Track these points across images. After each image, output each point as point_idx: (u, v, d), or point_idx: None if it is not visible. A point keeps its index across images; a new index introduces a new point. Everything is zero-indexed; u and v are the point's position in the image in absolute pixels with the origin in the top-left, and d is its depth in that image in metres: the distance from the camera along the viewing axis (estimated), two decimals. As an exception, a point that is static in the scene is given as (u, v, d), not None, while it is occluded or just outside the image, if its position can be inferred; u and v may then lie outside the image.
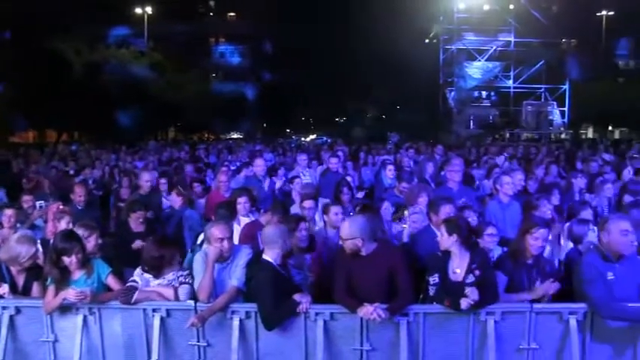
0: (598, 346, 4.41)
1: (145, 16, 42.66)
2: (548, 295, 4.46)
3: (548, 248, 5.50)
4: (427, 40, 45.85)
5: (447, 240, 4.52)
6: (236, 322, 4.49)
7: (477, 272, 4.39)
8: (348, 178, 9.04)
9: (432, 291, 4.44)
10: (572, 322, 4.33)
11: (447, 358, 4.49)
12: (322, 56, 46.59)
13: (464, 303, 4.23)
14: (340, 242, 4.53)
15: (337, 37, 44.98)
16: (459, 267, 4.48)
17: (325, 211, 5.94)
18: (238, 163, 11.44)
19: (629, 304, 4.25)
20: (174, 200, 7.65)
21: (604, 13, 47.96)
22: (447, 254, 4.55)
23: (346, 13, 45.19)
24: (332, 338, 4.49)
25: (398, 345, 4.38)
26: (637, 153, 14.46)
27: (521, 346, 4.43)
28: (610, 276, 4.30)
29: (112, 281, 4.78)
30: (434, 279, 4.44)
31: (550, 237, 5.39)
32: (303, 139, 41.62)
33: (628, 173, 9.78)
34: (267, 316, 4.36)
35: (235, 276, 4.58)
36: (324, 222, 5.99)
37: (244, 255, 4.71)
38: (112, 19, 36.20)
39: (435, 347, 4.47)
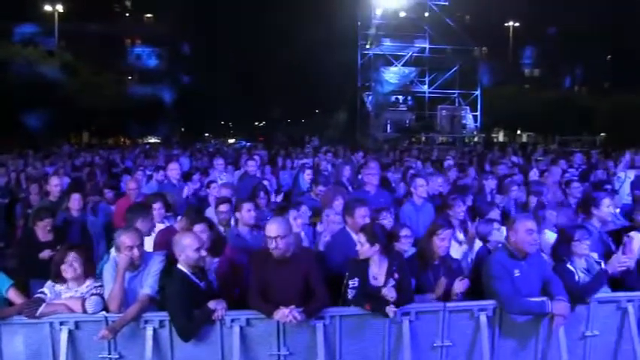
0: (506, 339, 4.60)
1: (56, 14, 40.81)
2: (459, 294, 4.58)
3: (465, 247, 5.70)
4: (345, 45, 46.58)
5: (368, 250, 4.53)
6: (149, 332, 4.34)
7: (397, 275, 4.47)
8: (265, 182, 9.00)
9: (350, 294, 4.44)
10: (483, 318, 4.48)
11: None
12: (241, 60, 46.27)
13: (390, 312, 4.24)
14: (271, 244, 4.45)
15: (257, 40, 44.83)
16: (379, 272, 4.53)
17: (237, 208, 5.77)
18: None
19: (532, 299, 4.46)
20: (72, 206, 7.12)
21: (511, 23, 50.49)
22: (366, 259, 4.57)
23: (266, 17, 45.15)
24: (249, 344, 4.42)
25: (315, 348, 4.37)
26: (542, 155, 15.31)
27: (435, 344, 4.54)
28: (516, 273, 4.49)
29: (13, 295, 4.48)
30: (353, 282, 4.45)
31: (462, 237, 5.62)
32: (223, 143, 41.11)
33: (534, 175, 10.25)
34: (181, 327, 4.23)
35: (147, 284, 4.41)
36: (236, 220, 5.84)
37: (156, 262, 4.55)
38: (18, 15, 34.36)
39: (351, 349, 4.49)
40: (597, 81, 52.20)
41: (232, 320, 4.36)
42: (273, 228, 4.41)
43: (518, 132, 50.80)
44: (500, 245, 4.88)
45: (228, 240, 5.48)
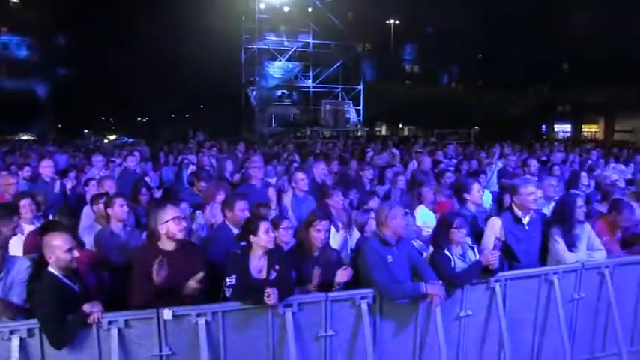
0: (387, 325, 4.77)
1: None
2: (341, 283, 4.67)
3: (342, 233, 5.82)
4: (229, 39, 46.05)
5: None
6: (15, 343, 4.02)
7: (277, 267, 4.48)
8: (147, 179, 8.72)
9: (227, 292, 4.38)
10: (364, 306, 4.61)
11: (248, 355, 4.49)
12: (123, 53, 44.24)
13: (272, 296, 4.24)
14: (177, 224, 4.32)
15: (139, 33, 43.06)
16: (260, 264, 4.52)
17: (109, 204, 5.49)
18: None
19: (407, 283, 4.67)
20: None
21: (392, 21, 52.31)
22: (246, 252, 4.55)
23: (148, 8, 43.46)
24: (129, 346, 4.24)
25: (198, 346, 4.28)
26: (421, 148, 16.08)
27: (319, 334, 4.59)
28: (390, 259, 4.68)
29: None
30: (231, 280, 4.38)
31: (341, 227, 5.76)
32: (103, 140, 39.11)
33: (412, 166, 10.75)
34: (53, 335, 3.96)
35: (14, 293, 4.12)
36: (109, 216, 5.55)
37: (22, 268, 4.23)
38: None
39: (235, 345, 4.44)
40: (472, 79, 55.45)
41: (109, 322, 4.15)
42: (170, 210, 4.38)
43: (400, 126, 52.85)
44: (372, 232, 5.05)
45: (99, 239, 5.24)
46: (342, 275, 4.66)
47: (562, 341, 5.27)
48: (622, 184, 8.12)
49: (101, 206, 5.74)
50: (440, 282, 4.70)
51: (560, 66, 56.19)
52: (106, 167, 10.10)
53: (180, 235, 4.38)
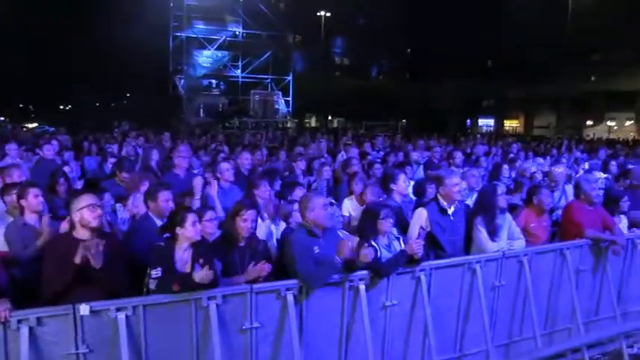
0: (313, 316, 4.73)
1: None
2: (264, 275, 4.61)
3: (268, 223, 5.75)
4: (157, 27, 44.79)
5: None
6: None
7: (202, 260, 4.36)
8: (66, 168, 8.32)
9: (152, 285, 4.23)
10: (290, 297, 4.55)
11: (171, 350, 4.34)
12: (44, 39, 42.11)
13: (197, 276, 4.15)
14: (92, 212, 4.10)
15: (60, 17, 41.10)
16: (186, 257, 4.40)
17: (22, 194, 5.12)
18: None
19: (324, 268, 4.62)
20: None
21: (323, 13, 52.44)
22: (170, 244, 4.41)
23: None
24: (41, 346, 3.98)
25: (118, 342, 4.10)
26: (350, 140, 16.21)
27: (244, 327, 4.51)
28: (316, 250, 4.65)
29: None
30: (156, 272, 4.24)
31: (268, 217, 5.68)
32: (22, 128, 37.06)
33: (341, 157, 10.81)
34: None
35: None
36: (22, 207, 5.18)
37: None
38: None
39: (158, 339, 4.28)
40: (400, 72, 56.47)
41: (19, 321, 3.88)
42: (85, 197, 4.19)
43: (330, 118, 53.19)
44: (298, 223, 5.00)
45: (10, 231, 4.94)
46: (261, 269, 4.59)
47: (483, 327, 5.43)
48: (540, 176, 8.42)
49: (14, 197, 5.39)
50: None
51: (485, 62, 58.14)
52: (21, 156, 9.61)
53: (95, 223, 4.18)
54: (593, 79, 55.43)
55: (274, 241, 5.50)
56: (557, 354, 5.72)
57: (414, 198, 6.96)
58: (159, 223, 4.96)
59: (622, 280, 6.75)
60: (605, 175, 9.05)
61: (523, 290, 5.81)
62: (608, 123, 54.53)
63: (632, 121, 55.23)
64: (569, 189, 7.43)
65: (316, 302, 4.71)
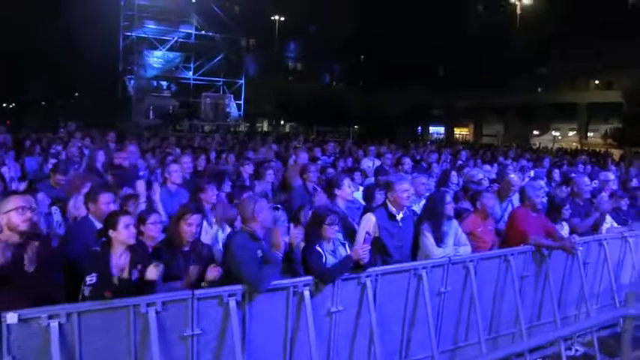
0: (256, 322, 4.62)
1: None
2: (214, 278, 4.49)
3: (215, 229, 5.63)
4: (107, 25, 43.72)
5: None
6: None
7: (140, 266, 4.21)
8: (5, 169, 8.00)
9: (87, 291, 4.05)
10: (232, 303, 4.43)
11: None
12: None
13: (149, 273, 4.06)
14: (22, 215, 3.87)
15: (4, 10, 39.59)
16: (122, 263, 4.24)
17: None
18: None
19: (267, 267, 4.55)
20: None
21: (277, 17, 52.41)
22: (106, 249, 4.23)
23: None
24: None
25: (49, 352, 3.89)
26: (300, 143, 16.20)
27: (185, 334, 4.36)
28: (260, 254, 4.58)
29: None
30: (91, 279, 4.06)
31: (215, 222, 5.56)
32: None
33: (292, 161, 10.75)
34: None
35: None
36: None
37: None
38: None
39: (93, 348, 4.08)
40: (353, 78, 56.86)
41: None
42: (13, 199, 3.96)
43: (282, 122, 53.10)
44: (239, 228, 4.91)
45: None
46: (212, 272, 4.49)
47: (429, 333, 5.43)
48: (487, 183, 8.55)
49: None
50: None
51: (437, 71, 59.25)
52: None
53: (23, 227, 3.93)
54: (539, 90, 57.35)
55: (220, 245, 5.38)
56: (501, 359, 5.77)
57: (363, 203, 6.95)
58: (99, 226, 4.78)
59: (562, 286, 6.91)
60: (543, 183, 9.24)
61: (468, 296, 5.86)
62: (553, 133, 56.50)
63: (575, 132, 57.45)
64: (515, 198, 7.55)
65: (260, 308, 4.61)
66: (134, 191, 6.17)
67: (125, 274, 4.21)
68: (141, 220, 4.79)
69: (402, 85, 51.16)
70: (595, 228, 7.44)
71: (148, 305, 4.15)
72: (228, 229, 5.52)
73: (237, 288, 4.45)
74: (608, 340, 7.01)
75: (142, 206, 5.93)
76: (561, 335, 5.89)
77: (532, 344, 5.17)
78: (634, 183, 10.25)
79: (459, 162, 12.57)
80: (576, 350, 6.84)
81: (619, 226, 7.58)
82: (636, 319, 4.54)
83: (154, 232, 4.84)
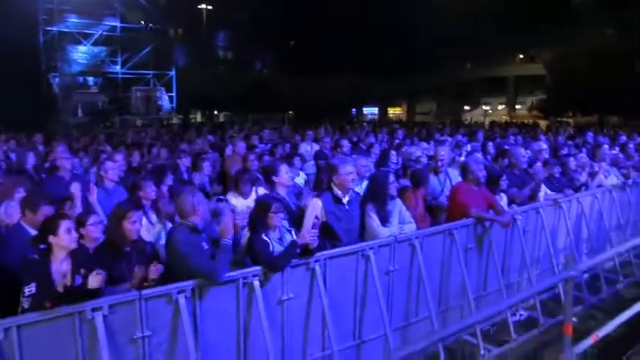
0: (208, 316, 4.54)
1: None
2: (155, 278, 4.36)
3: (159, 227, 5.48)
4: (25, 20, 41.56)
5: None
6: None
7: (83, 271, 4.04)
8: None
9: (26, 303, 3.85)
10: (182, 300, 4.32)
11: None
12: None
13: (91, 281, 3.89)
14: None
15: None
16: (64, 269, 4.06)
17: None
18: None
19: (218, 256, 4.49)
20: None
21: (204, 6, 51.39)
22: (46, 256, 4.04)
23: None
24: None
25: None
26: (235, 132, 16.04)
27: (134, 336, 4.23)
28: (205, 246, 4.50)
29: None
30: (30, 289, 3.86)
31: (155, 218, 5.41)
32: None
33: (229, 151, 10.64)
34: None
35: None
36: None
37: None
38: None
39: (38, 361, 3.92)
40: (285, 65, 56.51)
41: None
42: None
43: (216, 112, 52.35)
44: (178, 223, 4.78)
45: None
46: (153, 272, 4.36)
47: (381, 312, 5.48)
48: (425, 160, 8.69)
49: None
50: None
51: (368, 54, 59.74)
52: None
53: None
54: (468, 66, 58.88)
55: (162, 243, 5.23)
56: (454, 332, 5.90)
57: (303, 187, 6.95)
58: (33, 233, 4.55)
59: (505, 254, 7.13)
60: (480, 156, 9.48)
61: (416, 272, 5.95)
62: (484, 107, 58.24)
63: (504, 105, 59.43)
64: (452, 172, 7.71)
65: (210, 303, 4.52)
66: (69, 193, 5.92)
67: (68, 281, 4.03)
68: (80, 222, 4.60)
69: (335, 68, 51.29)
70: (532, 196, 7.69)
71: (94, 310, 3.99)
72: (170, 225, 5.37)
73: (187, 284, 4.35)
74: (548, 302, 7.36)
75: (79, 209, 5.71)
76: (508, 305, 6.07)
77: (481, 317, 5.30)
78: (563, 151, 10.67)
79: (396, 141, 12.71)
80: (521, 315, 7.12)
81: (553, 193, 7.86)
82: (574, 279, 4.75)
83: (95, 233, 4.66)
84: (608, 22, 41.82)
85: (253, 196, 6.45)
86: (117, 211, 4.61)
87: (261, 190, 6.64)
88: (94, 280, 3.92)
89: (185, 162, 8.33)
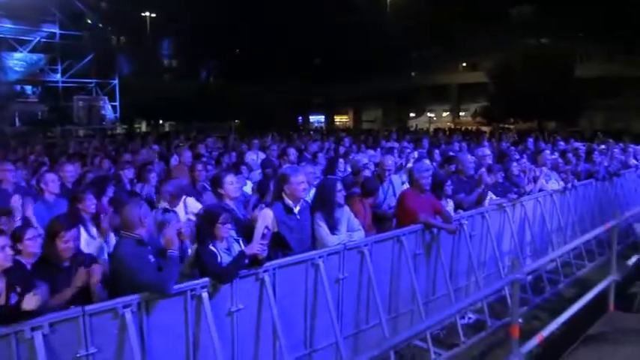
0: (155, 330, 4.41)
1: None
2: (98, 294, 4.22)
3: (100, 241, 5.32)
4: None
5: None
6: None
7: (19, 289, 3.87)
8: None
9: None
10: (128, 315, 4.18)
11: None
12: None
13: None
14: None
15: None
16: None
17: None
18: None
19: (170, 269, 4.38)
20: None
21: (148, 14, 50.65)
22: None
23: None
24: None
25: None
26: (182, 142, 15.84)
27: (78, 355, 4.06)
28: (151, 259, 4.39)
29: None
30: None
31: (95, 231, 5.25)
32: None
33: (175, 161, 10.51)
34: None
35: None
36: None
37: None
38: None
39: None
40: (231, 73, 56.23)
41: None
42: None
43: (161, 122, 51.57)
44: (124, 235, 4.65)
45: None
46: (95, 272, 4.23)
47: (331, 321, 5.47)
48: (372, 167, 8.76)
49: None
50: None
51: (314, 62, 60.19)
52: None
53: None
54: (413, 74, 60.04)
55: (106, 255, 5.07)
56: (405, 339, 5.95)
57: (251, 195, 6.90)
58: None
59: (452, 259, 7.26)
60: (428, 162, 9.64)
61: (366, 279, 5.97)
62: (429, 114, 59.47)
63: (449, 112, 60.87)
64: (396, 178, 7.81)
65: (157, 316, 4.40)
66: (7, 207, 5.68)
67: (2, 300, 3.84)
68: (16, 237, 4.41)
69: (281, 76, 51.40)
70: (479, 201, 7.86)
71: (33, 329, 3.81)
72: (115, 239, 5.20)
73: (133, 298, 4.21)
74: (495, 304, 7.53)
75: (19, 223, 5.48)
76: (457, 309, 6.17)
77: (431, 322, 5.35)
78: (510, 157, 10.97)
79: (342, 149, 12.78)
80: (469, 318, 7.26)
81: (498, 198, 8.05)
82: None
83: (32, 248, 4.47)
84: (547, 29, 43.41)
85: (182, 206, 6.37)
86: (51, 226, 4.44)
87: (191, 201, 6.55)
88: (30, 302, 3.74)
89: (128, 173, 8.13)
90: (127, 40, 50.94)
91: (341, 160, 9.11)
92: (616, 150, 13.57)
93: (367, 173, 7.84)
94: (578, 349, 5.96)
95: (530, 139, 15.81)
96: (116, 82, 43.88)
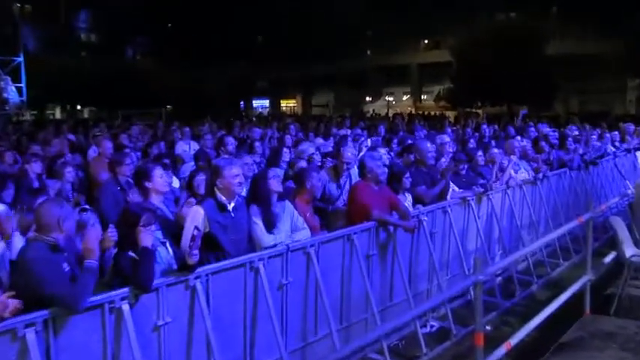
0: (65, 351, 4.25)
1: None
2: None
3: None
4: None
5: None
6: None
7: None
8: None
9: None
10: (30, 335, 4.00)
11: None
12: None
13: None
14: None
15: None
16: None
17: None
18: None
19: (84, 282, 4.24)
20: None
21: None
22: None
23: None
24: None
25: None
26: (101, 131, 15.51)
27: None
28: (66, 267, 4.26)
29: None
30: None
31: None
32: None
33: (93, 152, 10.27)
34: None
35: None
36: None
37: None
38: None
39: None
40: (162, 52, 55.29)
41: None
42: None
43: (79, 107, 50.34)
44: (32, 238, 4.49)
45: None
46: None
47: (274, 332, 5.43)
48: (318, 158, 8.74)
49: None
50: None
51: (256, 42, 59.84)
52: None
53: None
54: (368, 53, 60.37)
55: (7, 264, 4.89)
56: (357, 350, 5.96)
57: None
58: None
59: (411, 260, 7.31)
60: (384, 152, 9.66)
61: (313, 285, 5.95)
62: (387, 98, 59.93)
63: (409, 95, 61.45)
64: (355, 173, 7.79)
65: (68, 336, 4.23)
66: None
67: None
68: None
69: (220, 56, 50.89)
70: (442, 195, 7.90)
71: None
72: (20, 243, 4.99)
73: (37, 315, 4.03)
74: (460, 310, 7.63)
75: None
76: (415, 314, 6.20)
77: (386, 329, 5.38)
78: (471, 144, 11.13)
79: (287, 137, 12.72)
80: (431, 326, 7.34)
81: (461, 191, 8.14)
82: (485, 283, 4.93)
83: None
84: (516, 3, 44.21)
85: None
86: None
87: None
88: None
89: (35, 167, 7.88)
90: (32, 9, 49.38)
91: (286, 150, 9.06)
92: (593, 136, 13.94)
93: (302, 164, 7.81)
94: (550, 357, 6.10)
95: (484, 125, 16.11)
96: (21, 59, 42.45)
